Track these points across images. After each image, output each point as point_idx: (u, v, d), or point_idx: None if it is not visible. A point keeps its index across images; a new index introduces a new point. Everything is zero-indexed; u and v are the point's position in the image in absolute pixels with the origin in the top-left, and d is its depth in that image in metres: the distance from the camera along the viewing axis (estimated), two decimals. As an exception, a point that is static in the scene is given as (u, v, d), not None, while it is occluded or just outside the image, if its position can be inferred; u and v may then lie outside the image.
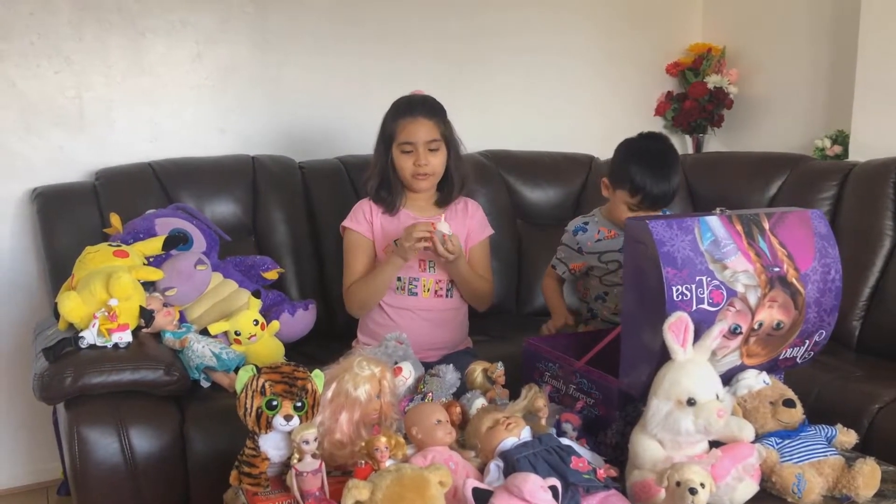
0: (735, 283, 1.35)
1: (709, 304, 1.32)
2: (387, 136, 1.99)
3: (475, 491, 1.05)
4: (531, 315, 2.62)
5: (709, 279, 1.33)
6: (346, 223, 2.04)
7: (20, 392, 2.28)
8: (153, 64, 2.40)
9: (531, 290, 2.67)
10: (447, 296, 2.02)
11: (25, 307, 2.28)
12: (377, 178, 2.02)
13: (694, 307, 1.30)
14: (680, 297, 1.30)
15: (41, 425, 2.21)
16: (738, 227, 1.40)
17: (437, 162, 1.98)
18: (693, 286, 1.31)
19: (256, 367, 1.32)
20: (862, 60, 2.60)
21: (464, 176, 2.07)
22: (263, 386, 1.29)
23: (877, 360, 2.11)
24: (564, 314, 2.09)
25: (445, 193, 2.06)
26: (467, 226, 2.06)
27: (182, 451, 1.69)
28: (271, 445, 1.31)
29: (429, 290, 2.01)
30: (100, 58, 2.33)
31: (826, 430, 1.40)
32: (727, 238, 1.38)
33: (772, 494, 1.29)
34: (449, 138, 2.01)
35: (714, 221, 1.38)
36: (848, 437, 1.41)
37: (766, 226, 1.43)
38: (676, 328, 1.25)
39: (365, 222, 2.02)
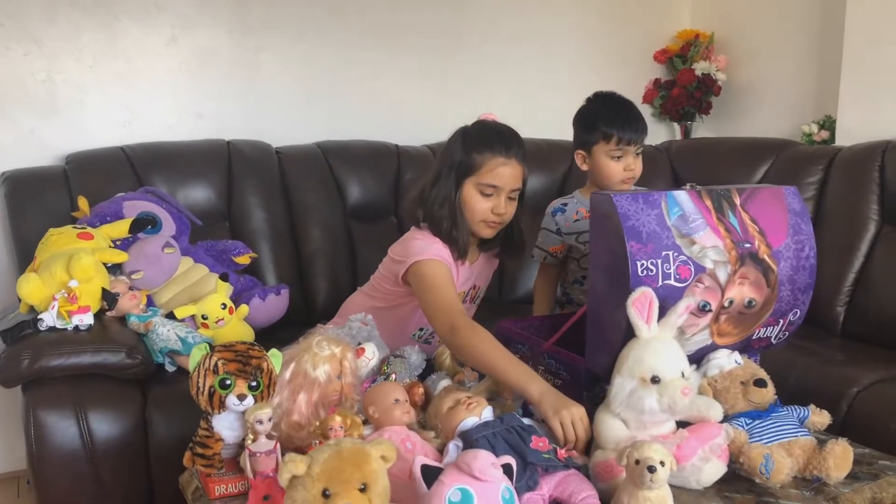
0: (703, 258, 1.31)
1: (675, 279, 1.28)
2: (463, 166, 1.65)
3: (424, 468, 1.01)
4: (514, 303, 2.59)
5: (675, 254, 1.29)
6: (429, 256, 1.63)
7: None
8: (127, 48, 2.36)
9: (514, 278, 2.63)
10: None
11: (-4, 292, 2.24)
12: (449, 215, 1.65)
13: (660, 283, 1.27)
14: (645, 272, 1.26)
15: (12, 414, 2.17)
16: (708, 203, 1.36)
17: (511, 212, 1.69)
18: (659, 261, 1.27)
19: (210, 345, 1.28)
20: (848, 45, 2.57)
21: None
22: (216, 364, 1.25)
23: (861, 345, 2.07)
24: (544, 312, 2.03)
25: (506, 245, 1.79)
26: (492, 266, 1.88)
27: (144, 436, 1.65)
28: (225, 426, 1.27)
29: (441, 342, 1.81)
30: (72, 41, 2.29)
31: (798, 410, 1.37)
32: (695, 213, 1.34)
33: (740, 476, 1.26)
34: (524, 191, 1.72)
35: (682, 196, 1.34)
36: (821, 417, 1.37)
37: (738, 201, 1.39)
38: (640, 304, 1.21)
39: (446, 256, 1.66)
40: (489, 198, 1.65)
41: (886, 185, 2.21)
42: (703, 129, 3.26)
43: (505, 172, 1.64)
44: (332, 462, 0.89)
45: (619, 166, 1.84)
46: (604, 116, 1.84)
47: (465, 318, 1.52)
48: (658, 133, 3.29)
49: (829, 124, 2.71)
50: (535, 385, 1.35)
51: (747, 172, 2.53)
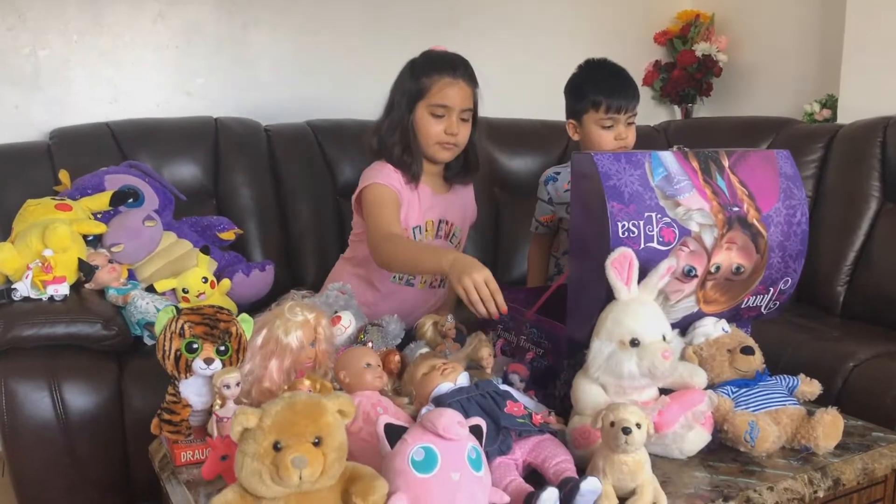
0: (688, 221, 1.26)
1: (659, 242, 1.24)
2: (413, 92, 1.70)
3: (387, 427, 0.97)
4: (509, 283, 2.54)
5: (659, 216, 1.24)
6: (377, 180, 1.69)
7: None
8: (113, 23, 2.33)
9: (509, 258, 2.59)
10: (441, 286, 1.87)
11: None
12: (400, 140, 1.71)
13: (642, 245, 1.22)
14: (626, 233, 1.21)
15: None
16: (694, 164, 1.31)
17: (465, 133, 1.74)
18: (641, 223, 1.22)
19: (177, 307, 1.25)
20: (850, 23, 2.52)
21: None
22: (183, 327, 1.21)
23: (860, 324, 2.02)
24: (537, 283, 2.00)
25: (462, 170, 1.82)
26: (467, 207, 1.89)
27: (119, 409, 1.62)
28: (192, 391, 1.24)
29: (425, 281, 1.84)
30: (56, 15, 2.25)
31: (787, 379, 1.32)
32: (681, 174, 1.29)
33: (725, 445, 1.21)
34: (476, 112, 1.78)
35: (667, 156, 1.29)
36: (811, 387, 1.32)
37: (726, 163, 1.34)
38: (619, 264, 1.17)
39: (396, 182, 1.71)
40: (441, 119, 1.69)
41: (888, 161, 2.16)
42: (704, 110, 3.20)
43: (453, 92, 1.69)
44: (285, 414, 0.85)
45: (610, 135, 1.79)
46: (592, 84, 1.79)
47: (390, 234, 1.60)
48: (658, 115, 3.24)
49: (831, 103, 2.65)
50: (445, 258, 1.45)
51: (746, 152, 2.48)
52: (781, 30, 2.93)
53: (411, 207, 1.74)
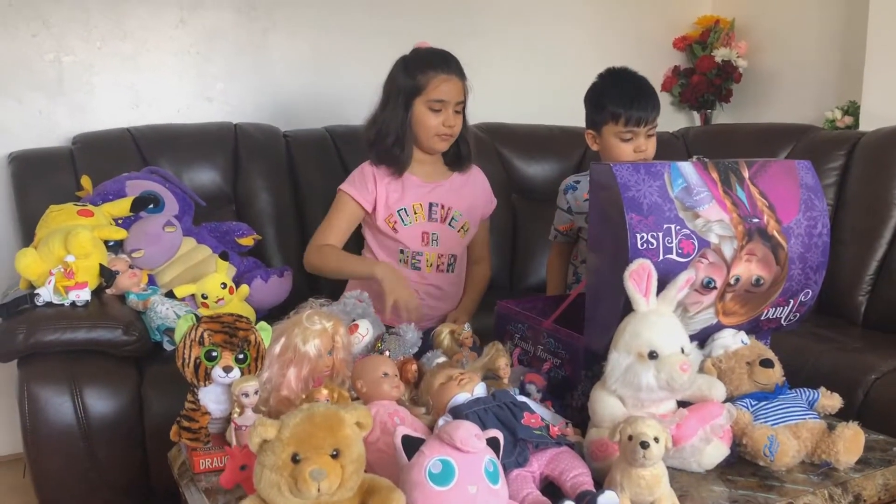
0: (708, 232, 1.26)
1: (678, 254, 1.23)
2: (410, 88, 1.85)
3: (405, 438, 0.97)
4: (526, 290, 2.54)
5: (678, 227, 1.24)
6: (344, 186, 1.92)
7: (-3, 360, 2.25)
8: (135, 29, 2.35)
9: (526, 265, 2.59)
10: (448, 270, 1.96)
11: (0, 272, 2.24)
12: (394, 134, 1.86)
13: (661, 257, 1.21)
14: (645, 245, 1.21)
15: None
16: (714, 175, 1.30)
17: (459, 123, 1.90)
18: (660, 234, 1.22)
19: (196, 316, 1.26)
20: (872, 29, 2.49)
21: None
22: (202, 335, 1.22)
23: (882, 334, 1.99)
24: (556, 291, 2.00)
25: (456, 158, 1.98)
26: (477, 195, 2.00)
27: (139, 414, 1.64)
28: (211, 399, 1.25)
29: (431, 264, 1.95)
30: (79, 21, 2.28)
31: (808, 393, 1.31)
32: (700, 185, 1.28)
33: (744, 459, 1.20)
34: (466, 103, 1.94)
35: (686, 167, 1.29)
36: (832, 400, 1.31)
37: (746, 174, 1.33)
38: (638, 276, 1.16)
39: (366, 191, 1.90)
40: (438, 113, 1.85)
41: (911, 169, 2.13)
42: (723, 116, 3.18)
43: (448, 87, 1.84)
44: (303, 426, 0.85)
45: (629, 147, 1.77)
46: (612, 95, 1.78)
47: (324, 243, 1.89)
48: (677, 121, 3.22)
49: (853, 110, 2.63)
50: (378, 266, 1.79)
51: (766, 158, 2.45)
52: (802, 35, 2.90)
53: (391, 193, 1.90)
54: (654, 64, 3.15)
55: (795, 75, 2.94)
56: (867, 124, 2.47)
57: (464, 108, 1.92)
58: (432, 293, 1.95)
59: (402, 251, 1.92)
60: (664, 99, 3.20)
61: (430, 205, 1.93)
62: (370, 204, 1.91)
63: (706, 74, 3.07)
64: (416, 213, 1.92)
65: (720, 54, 3.05)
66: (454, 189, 1.97)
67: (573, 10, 2.99)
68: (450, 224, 1.95)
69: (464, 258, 2.02)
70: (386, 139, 1.87)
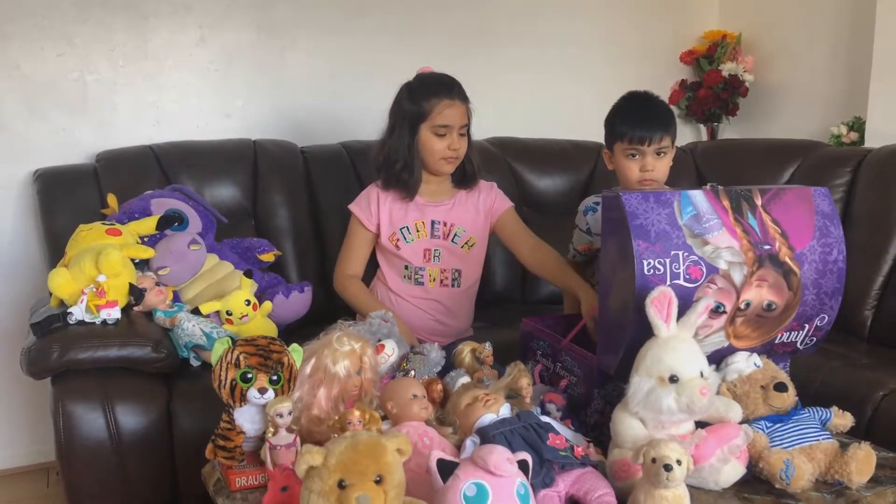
0: (717, 259, 1.30)
1: (685, 279, 1.27)
2: (415, 115, 1.92)
3: (440, 462, 1.02)
4: (537, 303, 2.58)
5: (686, 254, 1.28)
6: (352, 207, 2.03)
7: (20, 372, 2.29)
8: (157, 48, 2.41)
9: (537, 278, 2.60)
10: (453, 285, 2.01)
11: (27, 287, 2.29)
12: (402, 159, 1.93)
13: (668, 282, 1.26)
14: (652, 271, 1.25)
15: (43, 405, 2.22)
16: (725, 203, 1.35)
17: (464, 147, 1.97)
18: (667, 261, 1.26)
19: (232, 339, 1.30)
20: (878, 45, 2.53)
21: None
22: (238, 358, 1.27)
23: (889, 350, 2.04)
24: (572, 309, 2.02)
25: (462, 178, 2.03)
26: (489, 204, 2.05)
27: (168, 429, 1.68)
28: (246, 419, 1.29)
29: (434, 279, 2.00)
30: (103, 41, 2.34)
31: (820, 412, 1.35)
32: (711, 213, 1.33)
33: (759, 478, 1.25)
34: (470, 125, 2.00)
35: (697, 196, 1.33)
36: (843, 419, 1.35)
37: (759, 202, 1.37)
38: (660, 303, 1.21)
39: (369, 211, 2.00)
40: (443, 137, 1.91)
41: (917, 187, 2.18)
42: (729, 130, 3.23)
43: (452, 112, 1.91)
44: (348, 454, 0.90)
45: (635, 166, 1.81)
46: (622, 115, 1.82)
47: (347, 273, 2.00)
48: (684, 135, 3.26)
49: (858, 126, 2.67)
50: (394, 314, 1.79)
51: (773, 174, 2.50)
52: (808, 50, 2.95)
53: (395, 213, 1.98)
54: (662, 77, 3.20)
55: (801, 90, 2.99)
56: (872, 140, 2.52)
57: (468, 131, 1.98)
58: (437, 308, 2.01)
59: (406, 267, 1.99)
60: (671, 113, 3.24)
61: (433, 222, 2.00)
62: (374, 226, 2.00)
63: (713, 88, 3.12)
64: (418, 231, 1.99)
65: (727, 69, 3.10)
66: (457, 206, 2.02)
67: (582, 26, 3.04)
68: (452, 240, 2.00)
69: (472, 273, 2.05)
70: (395, 165, 1.94)
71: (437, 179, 2.01)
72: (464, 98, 1.95)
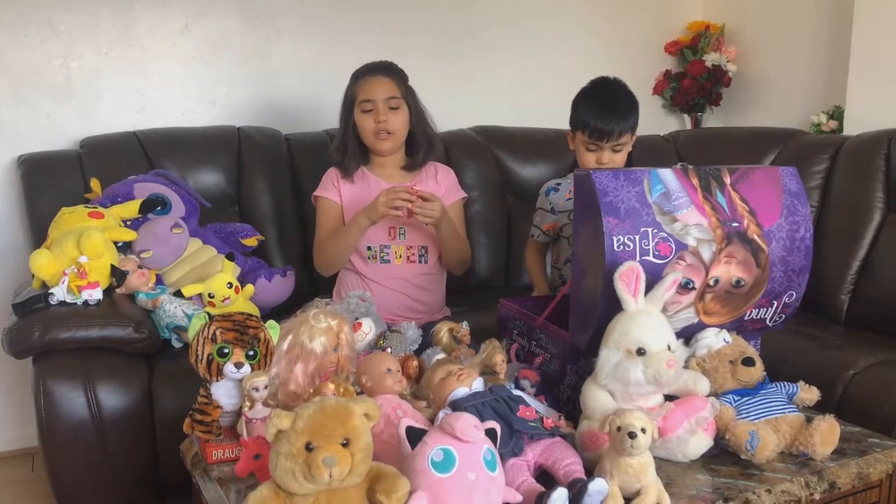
0: (685, 236, 1.32)
1: (654, 256, 1.29)
2: (348, 101, 2.01)
3: (409, 429, 1.04)
4: (520, 290, 2.60)
5: (655, 231, 1.30)
6: (316, 192, 2.08)
7: (6, 356, 2.30)
8: (141, 35, 2.42)
9: (521, 265, 2.63)
10: (420, 261, 2.03)
11: (11, 272, 2.30)
12: (341, 143, 2.03)
13: (637, 258, 1.28)
14: (621, 247, 1.27)
15: (27, 390, 2.23)
16: (695, 181, 1.37)
17: (397, 121, 1.98)
18: (637, 237, 1.28)
19: (209, 314, 1.32)
20: (857, 36, 2.56)
21: (431, 139, 2.08)
22: (214, 333, 1.29)
23: (863, 333, 2.07)
24: (544, 286, 2.08)
25: (414, 158, 2.06)
26: (439, 191, 2.05)
27: (150, 409, 1.70)
28: (223, 394, 1.32)
29: (401, 256, 2.03)
30: (87, 28, 2.34)
31: (787, 387, 1.38)
32: (680, 191, 1.35)
33: (727, 450, 1.27)
34: (409, 99, 2.02)
35: (666, 174, 1.35)
36: (809, 394, 1.38)
37: (727, 180, 1.40)
38: (627, 277, 1.23)
39: (333, 189, 2.05)
40: (370, 113, 1.96)
41: (892, 173, 2.21)
42: (713, 120, 3.26)
43: (371, 86, 1.96)
44: (316, 417, 0.92)
45: (593, 158, 1.84)
46: (586, 104, 1.85)
47: (320, 241, 2.03)
48: (668, 124, 3.30)
49: (837, 114, 2.70)
50: (359, 216, 1.90)
51: (754, 162, 2.53)
52: (790, 41, 2.98)
53: (356, 193, 2.03)
54: (646, 68, 3.24)
55: (783, 80, 3.02)
56: (851, 128, 2.55)
57: (408, 106, 2.00)
58: (407, 286, 2.03)
59: (368, 248, 2.02)
60: (655, 102, 3.28)
61: None
62: (338, 199, 2.05)
63: (697, 78, 3.15)
64: None
65: (710, 59, 3.13)
66: (420, 184, 2.04)
67: (568, 16, 3.06)
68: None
69: (439, 248, 2.07)
70: (335, 151, 2.05)
71: (389, 161, 2.06)
72: (388, 72, 1.99)
